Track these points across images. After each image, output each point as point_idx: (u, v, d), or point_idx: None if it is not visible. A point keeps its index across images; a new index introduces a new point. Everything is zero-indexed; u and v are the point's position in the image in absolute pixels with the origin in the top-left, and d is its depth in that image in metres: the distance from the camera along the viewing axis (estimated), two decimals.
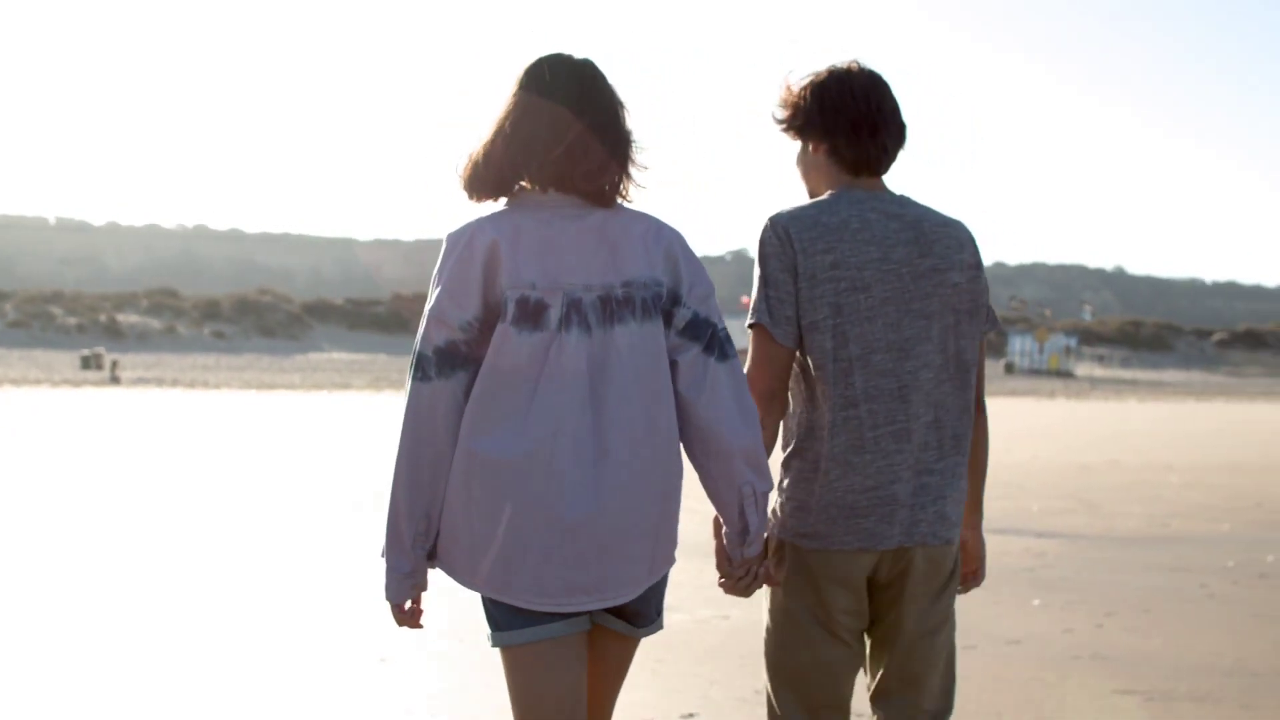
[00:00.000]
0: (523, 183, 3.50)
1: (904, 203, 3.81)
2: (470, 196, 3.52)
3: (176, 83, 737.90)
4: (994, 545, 12.47)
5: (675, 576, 3.88)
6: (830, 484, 3.68)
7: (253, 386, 49.20)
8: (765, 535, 3.60)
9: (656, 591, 3.57)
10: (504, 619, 3.43)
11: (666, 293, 3.47)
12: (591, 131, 3.43)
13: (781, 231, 3.70)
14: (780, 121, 3.87)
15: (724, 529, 3.55)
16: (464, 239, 3.42)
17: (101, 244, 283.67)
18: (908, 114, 3.90)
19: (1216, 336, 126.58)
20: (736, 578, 3.59)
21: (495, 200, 3.51)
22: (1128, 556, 12.25)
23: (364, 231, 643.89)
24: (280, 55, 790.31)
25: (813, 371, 3.69)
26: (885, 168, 3.84)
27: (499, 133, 3.46)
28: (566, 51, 3.55)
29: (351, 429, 28.71)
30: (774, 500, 3.78)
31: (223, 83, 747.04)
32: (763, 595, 3.89)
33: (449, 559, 3.46)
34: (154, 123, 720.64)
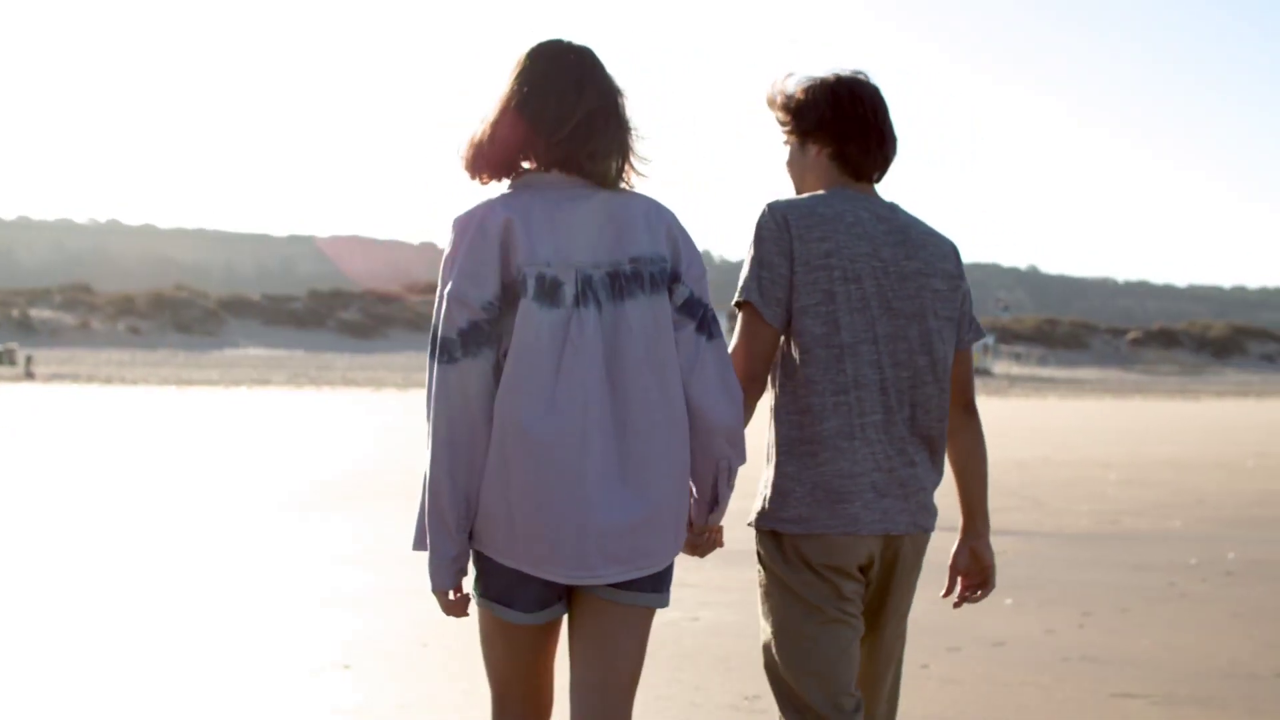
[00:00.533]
0: (525, 164, 3.57)
1: (894, 209, 3.91)
2: (473, 176, 3.58)
3: (87, 77, 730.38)
4: (948, 542, 12.69)
5: None
6: (818, 467, 3.72)
7: (171, 383, 48.68)
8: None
9: (672, 563, 3.64)
10: (494, 588, 3.51)
11: (670, 269, 3.55)
12: (595, 115, 3.52)
13: (780, 217, 3.76)
14: (785, 123, 3.95)
15: (693, 496, 3.64)
16: (475, 221, 3.47)
17: (12, 239, 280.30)
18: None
19: (1131, 335, 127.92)
20: (695, 543, 3.69)
21: (498, 180, 3.58)
22: (1088, 554, 12.09)
23: (280, 227, 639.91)
24: (191, 50, 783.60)
25: (800, 356, 3.75)
26: (881, 176, 3.95)
27: (504, 112, 3.53)
28: (565, 38, 3.63)
29: (274, 426, 28.30)
30: (760, 486, 3.85)
31: (133, 77, 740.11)
32: (752, 588, 3.99)
33: (485, 537, 3.49)
34: (65, 117, 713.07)
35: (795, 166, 3.97)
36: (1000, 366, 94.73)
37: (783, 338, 3.80)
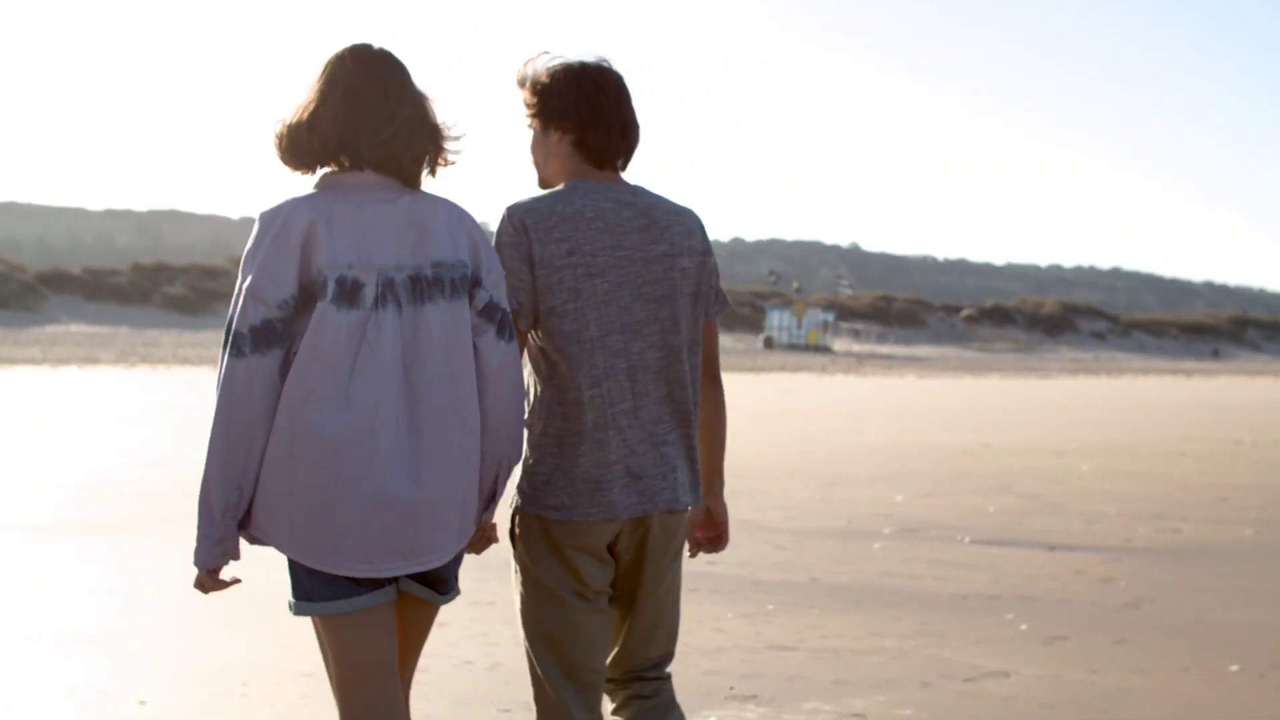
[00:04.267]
0: (338, 159, 3.71)
1: (637, 192, 4.06)
2: (289, 164, 3.71)
3: None
4: (1016, 562, 11.94)
5: None
6: (578, 459, 3.92)
7: None
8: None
9: (457, 560, 3.82)
10: (318, 590, 3.61)
11: (470, 274, 3.73)
12: (414, 118, 3.73)
13: (517, 222, 3.92)
14: (531, 105, 4.04)
15: None
16: (279, 219, 3.59)
17: None
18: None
19: (965, 312, 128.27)
20: (472, 539, 3.88)
21: (311, 172, 3.72)
22: (1205, 578, 10.51)
23: (95, 201, 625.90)
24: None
25: (553, 354, 3.94)
26: (625, 164, 4.08)
27: (323, 106, 3.67)
28: (373, 43, 3.78)
29: (109, 408, 26.03)
30: (517, 474, 4.01)
31: None
32: (510, 569, 4.11)
33: (268, 528, 3.62)
34: None
35: (539, 150, 4.07)
36: (840, 344, 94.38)
37: (541, 336, 3.94)
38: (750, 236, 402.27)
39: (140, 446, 18.59)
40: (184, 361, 49.50)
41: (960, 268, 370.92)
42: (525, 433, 3.95)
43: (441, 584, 3.78)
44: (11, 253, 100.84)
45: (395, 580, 3.68)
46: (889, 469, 18.24)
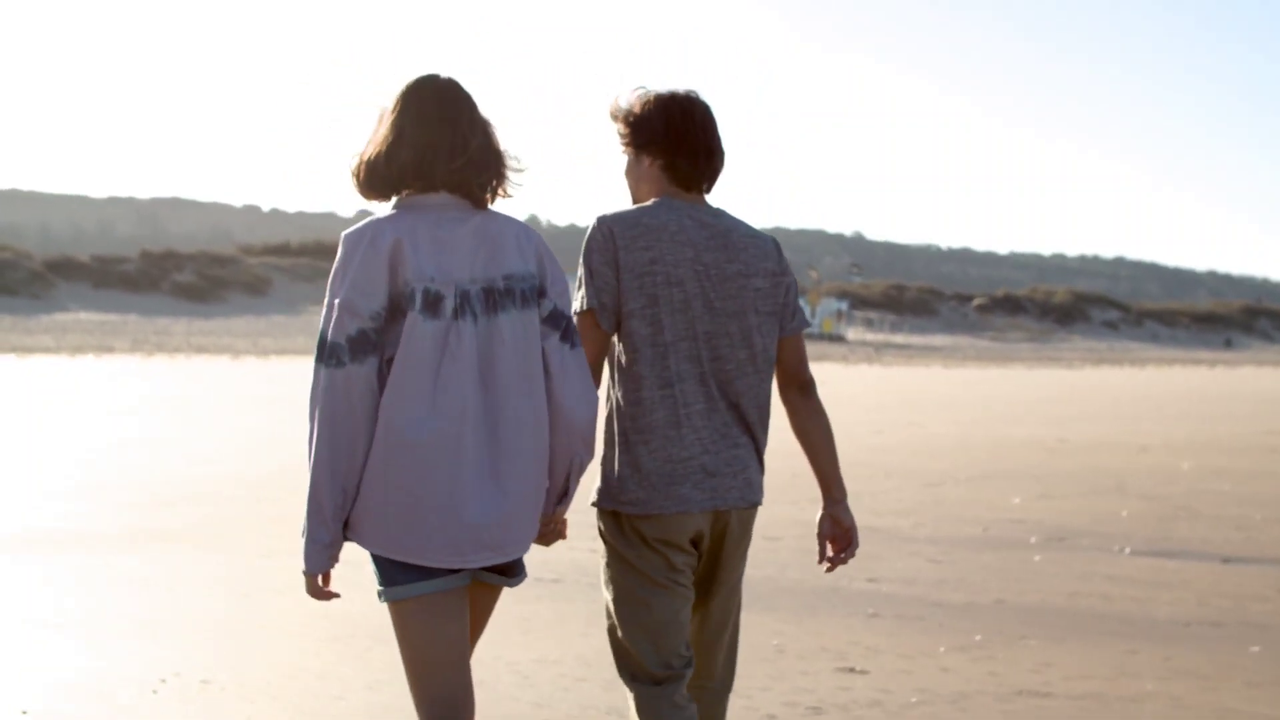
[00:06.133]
0: (413, 185, 3.96)
1: (718, 214, 4.31)
2: (366, 195, 3.98)
3: None
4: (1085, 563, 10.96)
5: None
6: (652, 454, 4.14)
7: (3, 350, 44.36)
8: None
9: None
10: (399, 576, 3.83)
11: (538, 285, 3.96)
12: (484, 146, 3.97)
13: (606, 230, 4.17)
14: (624, 135, 4.32)
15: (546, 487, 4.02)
16: (366, 238, 3.85)
17: None
18: None
19: (977, 301, 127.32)
20: (543, 533, 4.10)
21: (385, 200, 3.97)
22: None
23: (98, 188, 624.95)
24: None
25: (631, 354, 4.18)
26: (710, 187, 4.35)
27: (400, 140, 3.93)
28: (440, 73, 4.04)
29: (146, 396, 24.93)
30: (600, 470, 4.24)
31: None
32: (599, 559, 4.33)
33: (360, 529, 3.86)
34: None
35: (631, 175, 4.36)
36: (854, 333, 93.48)
37: (620, 338, 4.20)
38: (753, 225, 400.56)
39: (185, 438, 17.58)
40: (200, 350, 48.61)
41: (964, 256, 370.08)
42: (601, 431, 4.17)
43: (510, 569, 4.00)
44: (14, 240, 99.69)
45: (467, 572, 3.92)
46: (982, 467, 17.22)
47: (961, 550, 11.03)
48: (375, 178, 3.92)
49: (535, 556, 4.30)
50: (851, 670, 7.13)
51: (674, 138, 4.23)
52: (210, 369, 37.40)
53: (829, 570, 4.45)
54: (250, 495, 13.08)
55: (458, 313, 3.81)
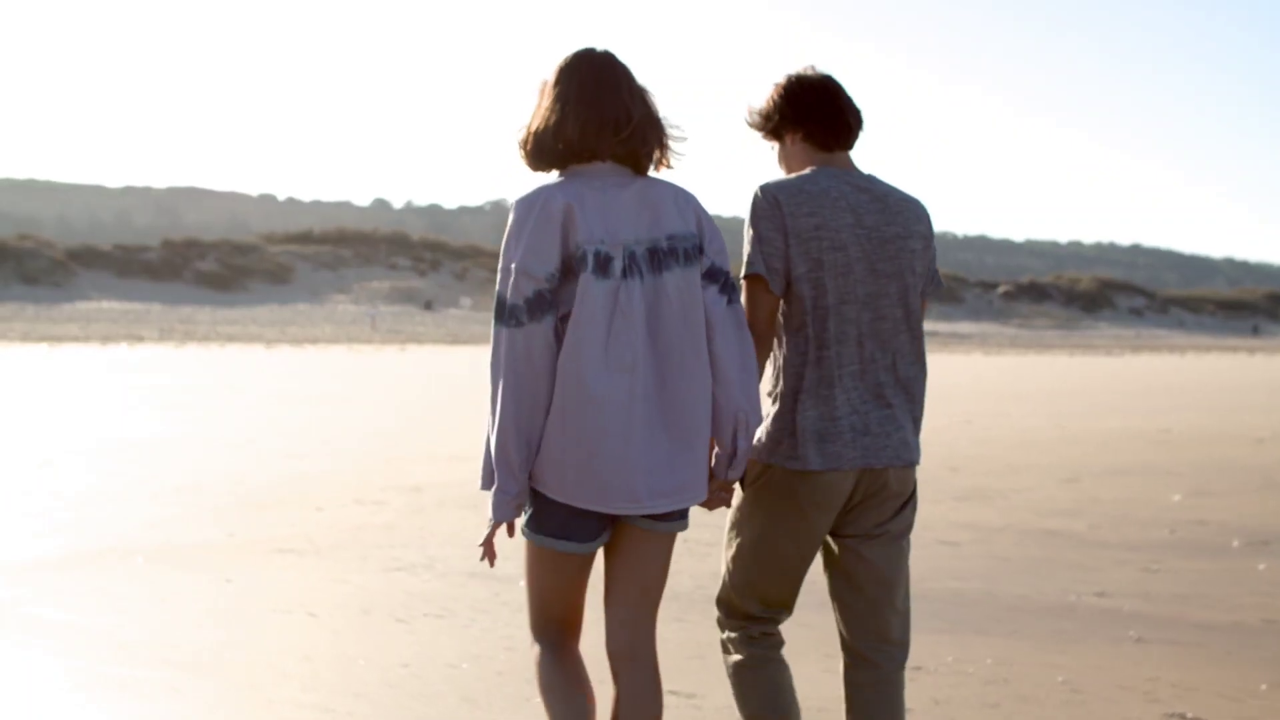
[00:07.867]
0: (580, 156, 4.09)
1: (872, 180, 4.40)
2: (533, 166, 4.11)
3: None
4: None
5: None
6: (807, 413, 4.21)
7: (31, 339, 43.43)
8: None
9: None
10: (548, 525, 4.03)
11: (697, 244, 4.10)
12: (647, 118, 4.09)
13: (771, 197, 4.26)
14: (760, 129, 4.46)
15: (715, 451, 4.12)
16: (539, 204, 3.98)
17: None
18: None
19: (1002, 289, 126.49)
20: (714, 495, 4.17)
21: (551, 171, 4.10)
22: None
23: (113, 178, 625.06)
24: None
25: (791, 317, 4.28)
26: (851, 143, 4.42)
27: (565, 113, 4.04)
28: (594, 46, 4.14)
29: (204, 388, 23.95)
30: (760, 429, 4.27)
31: None
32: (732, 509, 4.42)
33: (540, 477, 4.00)
34: None
35: (782, 158, 4.47)
36: None
37: (785, 301, 4.28)
38: None
39: (266, 435, 16.53)
40: (228, 339, 47.74)
41: (980, 244, 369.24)
42: (769, 388, 4.31)
43: (673, 515, 4.09)
44: (32, 230, 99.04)
45: (608, 531, 4.10)
46: (1105, 461, 16.13)
47: (1165, 557, 9.85)
48: (542, 151, 4.05)
49: None
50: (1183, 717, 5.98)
51: (801, 109, 4.35)
52: (245, 358, 36.64)
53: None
54: (352, 498, 12.00)
55: (626, 272, 3.96)
